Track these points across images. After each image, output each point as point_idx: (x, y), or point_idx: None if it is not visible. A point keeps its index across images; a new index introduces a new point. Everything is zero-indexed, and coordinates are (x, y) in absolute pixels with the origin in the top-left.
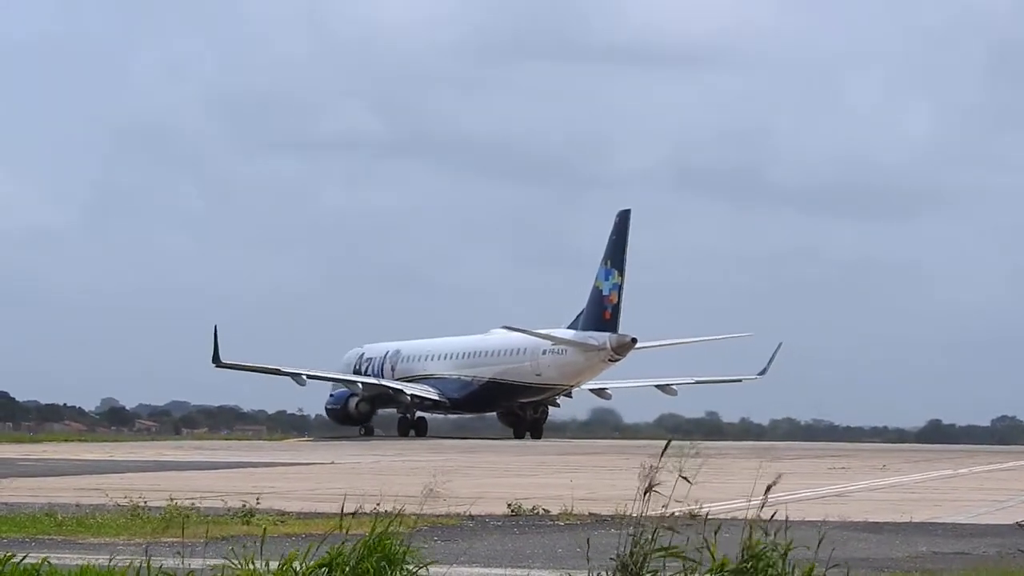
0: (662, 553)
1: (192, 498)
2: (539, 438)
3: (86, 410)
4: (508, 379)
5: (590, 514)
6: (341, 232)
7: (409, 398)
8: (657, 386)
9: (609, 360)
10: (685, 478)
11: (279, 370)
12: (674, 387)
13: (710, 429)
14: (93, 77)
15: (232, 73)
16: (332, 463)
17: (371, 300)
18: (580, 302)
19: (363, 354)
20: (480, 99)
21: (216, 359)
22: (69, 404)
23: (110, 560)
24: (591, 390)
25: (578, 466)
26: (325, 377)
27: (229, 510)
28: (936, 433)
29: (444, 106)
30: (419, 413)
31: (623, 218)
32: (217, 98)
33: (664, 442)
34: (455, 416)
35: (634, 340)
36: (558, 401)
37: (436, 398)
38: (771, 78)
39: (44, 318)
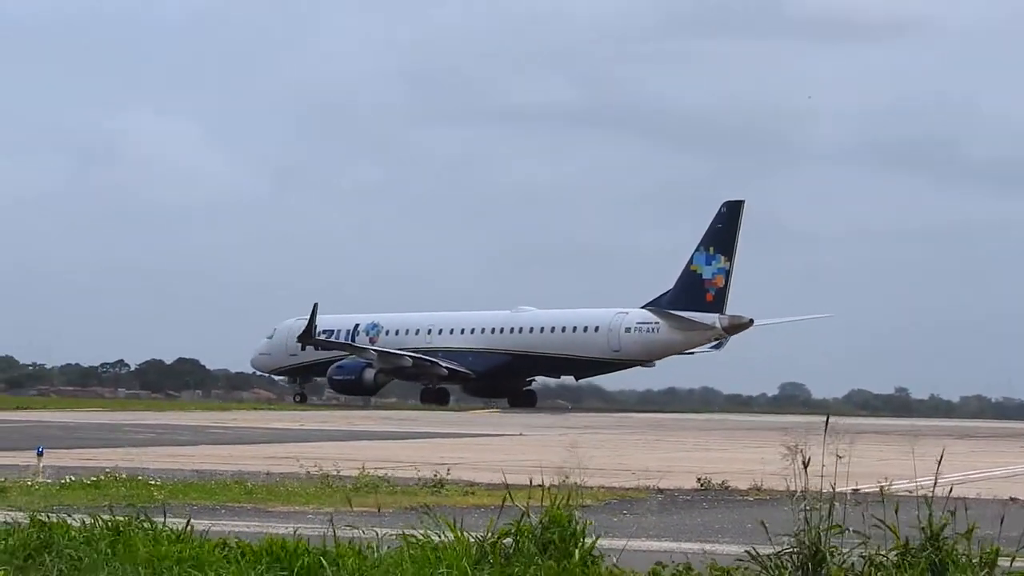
0: (838, 530)
1: (382, 468)
2: (533, 406)
3: (275, 379)
4: (570, 353)
5: (782, 489)
6: (529, 203)
7: (446, 371)
8: None
9: (715, 339)
10: (839, 456)
11: (351, 345)
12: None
13: (899, 405)
14: (276, 53)
15: (419, 45)
16: (520, 435)
17: (555, 272)
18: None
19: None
20: (671, 72)
21: (305, 335)
22: (258, 373)
23: (294, 531)
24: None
25: (765, 441)
26: (392, 352)
27: (419, 480)
28: None
29: (634, 78)
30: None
31: (732, 208)
32: (406, 71)
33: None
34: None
35: (751, 321)
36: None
37: (463, 370)
38: (965, 48)
39: (233, 288)
